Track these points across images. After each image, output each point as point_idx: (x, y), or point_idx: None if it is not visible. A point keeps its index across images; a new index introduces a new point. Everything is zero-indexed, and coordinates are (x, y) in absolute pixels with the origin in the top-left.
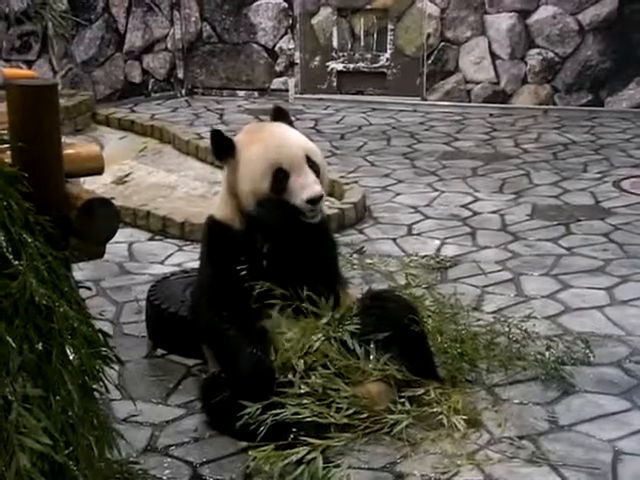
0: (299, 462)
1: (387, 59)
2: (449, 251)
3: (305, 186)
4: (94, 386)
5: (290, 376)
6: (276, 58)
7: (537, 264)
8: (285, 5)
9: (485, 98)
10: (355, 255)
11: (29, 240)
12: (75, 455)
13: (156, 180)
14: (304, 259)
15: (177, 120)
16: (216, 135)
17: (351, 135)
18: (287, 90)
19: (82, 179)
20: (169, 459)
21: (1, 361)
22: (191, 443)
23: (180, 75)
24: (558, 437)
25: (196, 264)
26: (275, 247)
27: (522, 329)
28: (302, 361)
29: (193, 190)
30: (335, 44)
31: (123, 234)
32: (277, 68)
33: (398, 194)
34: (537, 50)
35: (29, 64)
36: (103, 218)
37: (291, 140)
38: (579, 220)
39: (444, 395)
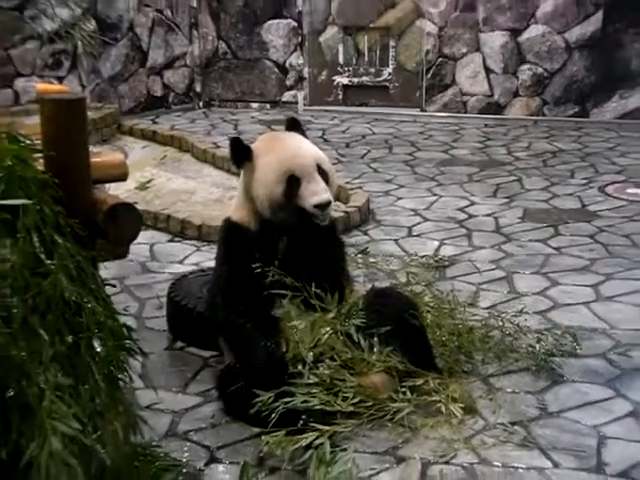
0: (308, 447)
1: (389, 73)
2: (447, 251)
3: (315, 193)
4: (119, 376)
5: (300, 367)
6: (286, 73)
7: (528, 263)
8: (294, 24)
9: (480, 109)
10: (360, 255)
11: (60, 241)
12: (102, 439)
13: (176, 186)
14: (314, 258)
15: (195, 130)
16: (235, 142)
17: (356, 144)
18: (296, 102)
19: (108, 185)
20: (188, 443)
21: (35, 353)
22: (208, 429)
23: (198, 89)
24: (547, 423)
25: (212, 263)
26: (287, 247)
27: (514, 323)
28: (311, 353)
29: (210, 195)
30: (341, 60)
31: (145, 236)
32: (287, 82)
33: (399, 198)
34: (528, 65)
35: (60, 80)
36: (127, 221)
37: (303, 149)
38: (567, 222)
39: (442, 385)
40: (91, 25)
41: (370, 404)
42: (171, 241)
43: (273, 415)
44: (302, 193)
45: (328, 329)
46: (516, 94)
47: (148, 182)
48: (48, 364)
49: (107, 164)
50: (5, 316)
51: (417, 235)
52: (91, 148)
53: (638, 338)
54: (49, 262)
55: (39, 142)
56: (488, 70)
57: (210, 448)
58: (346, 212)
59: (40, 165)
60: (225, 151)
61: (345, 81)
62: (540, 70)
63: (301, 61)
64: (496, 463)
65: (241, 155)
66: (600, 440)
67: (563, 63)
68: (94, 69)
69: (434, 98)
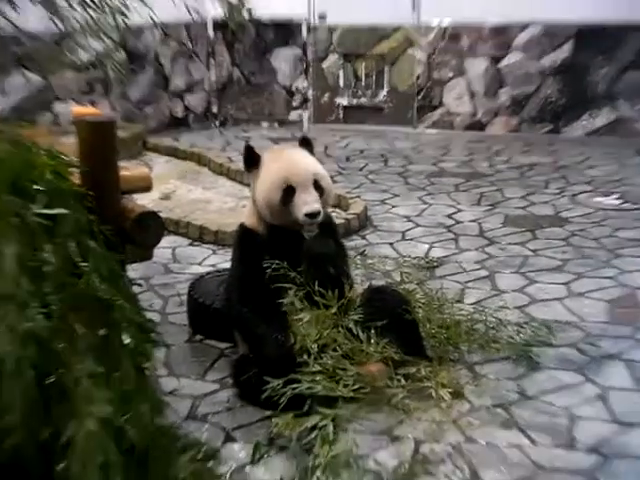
0: (313, 428)
1: (384, 95)
2: (436, 253)
3: (306, 202)
4: (145, 365)
5: (305, 357)
6: (293, 95)
7: (508, 264)
8: (300, 52)
9: (465, 127)
10: (359, 256)
11: (93, 246)
12: (131, 421)
13: (195, 196)
14: (318, 262)
15: (212, 147)
16: (248, 149)
17: (355, 158)
18: (302, 121)
19: (135, 195)
20: (206, 425)
21: (72, 344)
22: (224, 412)
23: (214, 110)
24: (526, 405)
25: (228, 265)
26: (295, 249)
27: (496, 317)
28: (315, 345)
29: (225, 204)
30: (341, 83)
31: (168, 240)
32: (294, 103)
33: (394, 206)
34: (507, 88)
35: (93, 103)
36: (152, 227)
37: (303, 163)
38: (542, 227)
39: (432, 372)
40: (121, 55)
41: (368, 390)
42: (191, 245)
43: (282, 400)
44: (295, 201)
45: (330, 323)
46: (497, 113)
47: (170, 193)
48: (83, 354)
49: (134, 177)
50: (46, 312)
51: (410, 239)
52: (120, 163)
53: (605, 330)
54: (84, 264)
55: (75, 159)
56: (472, 92)
57: (226, 429)
58: (346, 219)
59: (76, 179)
60: (238, 165)
61: (345, 102)
62: (518, 92)
63: (306, 85)
64: (481, 442)
65: (251, 161)
66: (572, 420)
67: (538, 86)
68: (123, 94)
69: (424, 117)
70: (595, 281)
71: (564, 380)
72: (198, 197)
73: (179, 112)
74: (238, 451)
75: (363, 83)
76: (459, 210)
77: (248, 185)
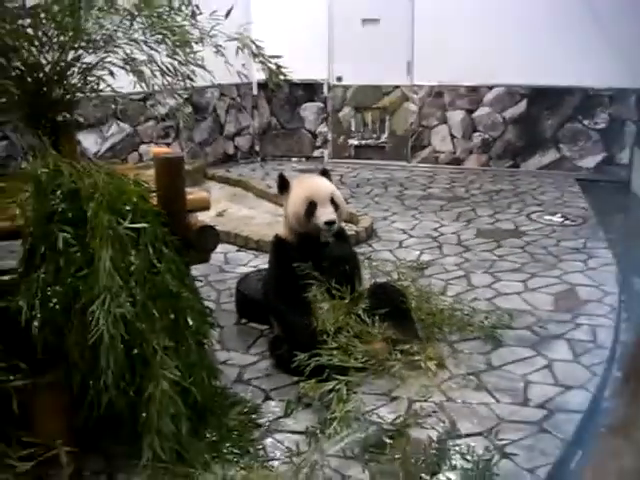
0: (331, 390)
1: (385, 138)
2: (425, 258)
3: (325, 214)
4: (204, 341)
5: (325, 337)
6: (316, 137)
7: (480, 266)
8: (322, 105)
9: (447, 162)
10: (366, 260)
11: (166, 251)
12: (194, 383)
13: (242, 214)
14: (335, 264)
15: (255, 176)
16: (280, 177)
17: (363, 184)
18: (323, 157)
19: (197, 213)
20: (250, 387)
21: (150, 325)
22: (264, 377)
23: (257, 148)
24: (492, 374)
25: (265, 266)
26: (318, 254)
27: (471, 307)
28: (332, 327)
29: (264, 220)
30: (353, 128)
31: (221, 247)
32: (317, 143)
33: (393, 222)
34: (478, 133)
35: (168, 145)
36: (209, 237)
37: (322, 186)
38: (505, 238)
39: (422, 348)
40: (188, 109)
41: (373, 362)
42: (238, 251)
43: (307, 369)
44: (317, 213)
45: (344, 311)
46: (471, 152)
47: (224, 211)
48: (159, 332)
49: (197, 199)
50: (131, 301)
51: (405, 247)
52: (186, 189)
53: (551, 316)
54: (159, 265)
55: (154, 186)
56: (452, 136)
57: (265, 390)
58: (357, 231)
59: (154, 201)
60: (274, 190)
61: (356, 143)
62: (487, 136)
63: (326, 129)
64: (458, 401)
65: (283, 186)
66: (526, 384)
67: (502, 132)
68: (190, 137)
69: (416, 154)
70: (544, 279)
71: (521, 354)
72: (244, 214)
73: (230, 150)
74: (274, 407)
75: (370, 128)
76: (442, 225)
77: (281, 205)
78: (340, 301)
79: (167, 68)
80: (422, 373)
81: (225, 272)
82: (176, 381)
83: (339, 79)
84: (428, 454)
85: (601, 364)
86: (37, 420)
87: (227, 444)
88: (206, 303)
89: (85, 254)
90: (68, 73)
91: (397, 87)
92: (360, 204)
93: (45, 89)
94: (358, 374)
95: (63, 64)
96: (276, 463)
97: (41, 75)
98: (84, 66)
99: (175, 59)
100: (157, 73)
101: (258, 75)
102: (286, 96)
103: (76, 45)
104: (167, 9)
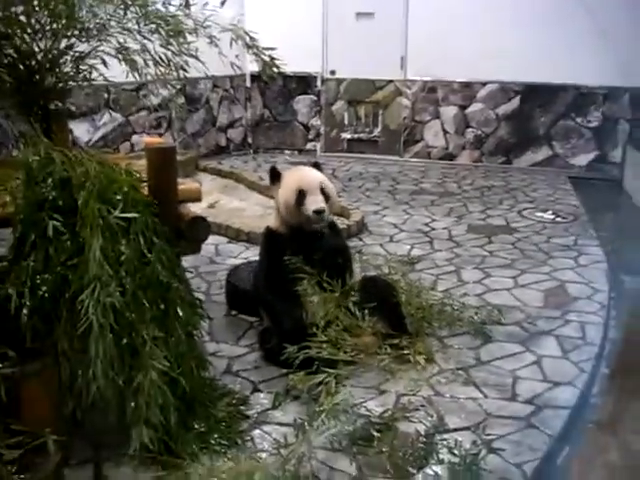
0: (319, 383)
1: (378, 132)
2: (416, 252)
3: (315, 202)
4: (194, 332)
5: (314, 329)
6: (309, 130)
7: (470, 261)
8: (315, 98)
9: (439, 157)
10: (357, 254)
11: (157, 241)
12: (183, 373)
13: (233, 206)
14: (327, 256)
15: (247, 169)
16: (272, 169)
17: (355, 179)
18: (315, 150)
19: (188, 204)
20: (239, 379)
21: (140, 315)
22: (253, 369)
23: (249, 140)
24: (481, 369)
25: (256, 258)
26: (309, 247)
27: (460, 302)
28: (322, 320)
29: (255, 212)
30: (346, 122)
31: (212, 239)
32: (309, 136)
33: (384, 216)
34: (471, 129)
35: (160, 135)
36: (200, 228)
37: (311, 175)
38: (496, 234)
39: (411, 343)
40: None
41: (362, 356)
42: (229, 243)
43: (296, 361)
44: (306, 202)
45: (334, 304)
46: (464, 148)
47: (215, 203)
48: (148, 323)
49: (188, 190)
50: (121, 290)
51: (396, 241)
52: (178, 180)
53: (541, 312)
54: (149, 255)
55: (145, 176)
56: (445, 131)
57: (254, 382)
58: (348, 225)
59: (145, 191)
60: (266, 182)
61: (348, 136)
62: (479, 132)
63: (319, 122)
64: (447, 395)
65: (274, 178)
66: (514, 379)
67: (495, 128)
68: (182, 128)
69: (409, 149)
70: (534, 276)
71: (510, 349)
72: (236, 206)
73: (222, 142)
74: (262, 399)
75: (363, 122)
76: (434, 220)
77: (273, 197)
78: (330, 294)
79: (160, 58)
80: (411, 367)
81: (216, 264)
82: (165, 371)
83: (333, 72)
84: (415, 448)
85: (589, 361)
86: (25, 408)
87: (215, 435)
88: (196, 294)
89: (75, 243)
90: (61, 61)
91: (390, 81)
92: (352, 198)
93: (37, 77)
94: (347, 367)
95: (56, 52)
96: (264, 455)
97: (33, 63)
98: (77, 54)
99: (168, 49)
100: (150, 63)
101: (251, 67)
102: (279, 88)
103: (69, 33)
104: None
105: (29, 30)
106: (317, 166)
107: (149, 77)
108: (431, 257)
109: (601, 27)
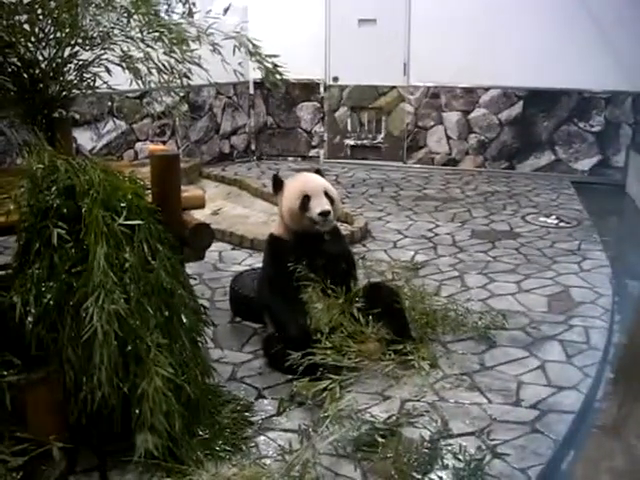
0: (324, 389)
1: (381, 138)
2: (419, 258)
3: (319, 205)
4: (198, 339)
5: (319, 336)
6: (312, 137)
7: (474, 267)
8: (318, 105)
9: (443, 163)
10: (360, 260)
11: (160, 248)
12: (188, 380)
13: (237, 212)
14: (331, 262)
15: (250, 175)
16: (275, 177)
17: (358, 185)
18: (319, 157)
19: (192, 211)
20: (243, 385)
21: (144, 322)
22: (257, 375)
23: (253, 147)
24: (485, 374)
25: (260, 265)
26: (314, 253)
27: (464, 307)
28: (326, 327)
29: (259, 219)
30: (349, 128)
31: (216, 246)
32: (312, 143)
33: (388, 222)
34: (474, 135)
35: (164, 142)
36: (204, 235)
37: (315, 180)
38: (500, 239)
39: (415, 348)
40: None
41: (366, 362)
42: (233, 249)
43: (300, 367)
44: (311, 206)
45: (338, 310)
46: (467, 153)
47: (219, 210)
48: (153, 329)
49: (192, 197)
50: (126, 297)
51: (400, 247)
52: (182, 187)
53: (545, 317)
54: (153, 262)
55: (149, 183)
56: (448, 137)
57: (258, 388)
58: (351, 231)
59: (149, 198)
60: (269, 189)
61: (352, 143)
62: (483, 138)
63: (322, 129)
64: (451, 400)
65: (277, 185)
66: (519, 384)
67: (497, 134)
68: (186, 136)
69: (412, 155)
70: (538, 281)
71: (514, 355)
72: (239, 213)
73: (226, 149)
74: (267, 405)
75: (366, 128)
76: (437, 225)
77: (276, 204)
78: (334, 300)
79: (164, 66)
80: (415, 373)
81: (219, 270)
82: (169, 378)
83: (335, 79)
84: (420, 453)
85: (594, 365)
86: (30, 416)
87: (220, 441)
88: (200, 301)
89: (80, 250)
90: (64, 70)
91: (393, 88)
92: (355, 204)
93: (41, 85)
94: (351, 373)
95: (59, 60)
96: (268, 461)
97: (37, 71)
98: (80, 63)
99: (172, 57)
100: (153, 71)
101: (255, 74)
102: (282, 95)
103: (73, 42)
104: (164, 7)
105: (33, 39)
106: (319, 173)
107: (153, 85)
108: (435, 263)
109: (603, 31)
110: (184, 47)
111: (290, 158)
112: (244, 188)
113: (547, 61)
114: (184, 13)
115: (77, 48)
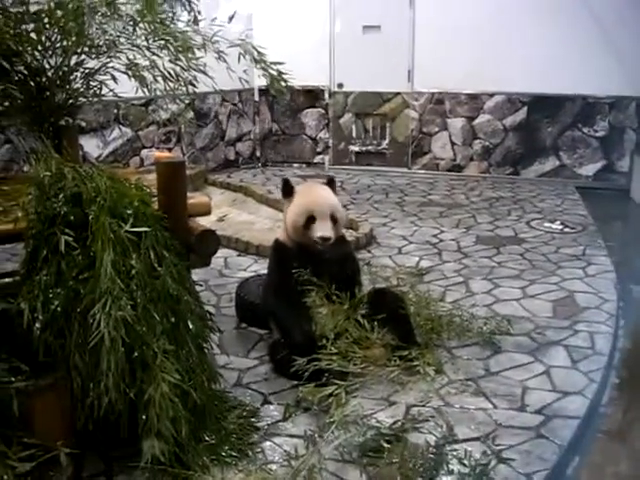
0: (330, 395)
1: (386, 144)
2: (424, 264)
3: (321, 229)
4: (204, 345)
5: (324, 341)
6: (317, 143)
7: (479, 272)
8: (323, 111)
9: (447, 169)
10: (365, 266)
11: (167, 255)
12: (194, 385)
13: (242, 219)
14: (336, 268)
15: (255, 182)
16: (285, 181)
17: (363, 191)
18: (324, 163)
19: (198, 218)
20: (249, 391)
21: (151, 328)
22: (263, 381)
23: (258, 154)
24: (490, 379)
25: (265, 271)
26: (319, 260)
27: (469, 313)
28: (332, 332)
29: (265, 225)
30: (354, 135)
31: (221, 252)
32: (317, 149)
33: (392, 228)
34: (479, 140)
35: (170, 150)
36: (210, 242)
37: (324, 199)
38: (505, 245)
39: (421, 354)
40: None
41: (372, 367)
42: (239, 256)
43: (306, 373)
44: (314, 227)
45: (343, 316)
46: (471, 159)
47: (224, 216)
48: (159, 336)
49: (198, 204)
50: (132, 304)
51: (404, 253)
52: (188, 194)
53: (550, 323)
54: (160, 269)
55: (155, 190)
56: (453, 143)
57: (264, 394)
58: (357, 237)
59: (155, 205)
60: (275, 196)
61: (356, 149)
62: (487, 144)
63: (327, 135)
64: (456, 406)
65: (287, 191)
66: (524, 390)
67: (502, 139)
68: (191, 142)
69: (417, 161)
70: (543, 286)
71: (519, 360)
72: (245, 220)
73: (231, 156)
74: (273, 411)
75: (370, 134)
76: (442, 231)
77: (282, 211)
78: (339, 306)
79: (169, 74)
80: (420, 378)
81: (225, 277)
82: (176, 384)
83: (340, 86)
84: (426, 458)
85: (599, 370)
86: (38, 422)
87: (226, 447)
88: (206, 307)
89: (87, 257)
90: (71, 78)
91: (398, 94)
92: (360, 210)
93: (48, 93)
94: (357, 379)
95: (66, 69)
96: (274, 466)
97: (44, 79)
98: (87, 71)
99: (177, 65)
100: (159, 78)
101: (260, 81)
102: (287, 102)
103: (79, 50)
104: (170, 15)
105: (39, 47)
106: (331, 182)
107: (158, 92)
108: (440, 268)
109: (607, 37)
110: (189, 55)
111: (295, 164)
112: (249, 195)
113: (551, 67)
114: (189, 21)
115: (83, 56)
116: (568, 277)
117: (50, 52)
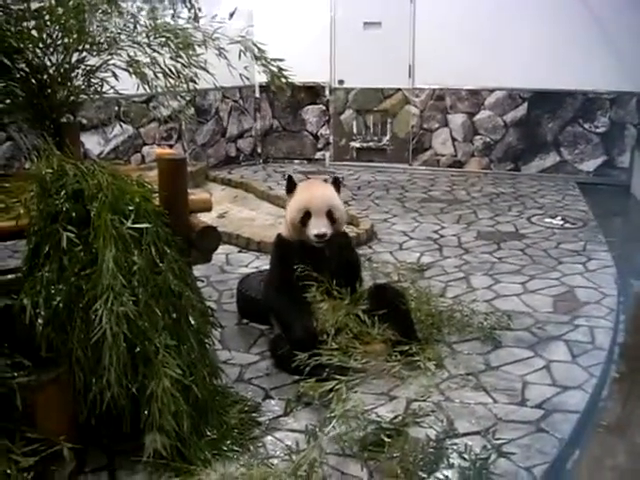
0: (330, 390)
1: (387, 140)
2: (425, 259)
3: (317, 226)
4: (206, 340)
5: (325, 337)
6: (318, 139)
7: (480, 268)
8: (324, 108)
9: (448, 165)
10: (366, 262)
11: (168, 251)
12: (195, 381)
13: (243, 215)
14: (337, 263)
15: (256, 178)
16: (289, 178)
17: (364, 187)
18: (324, 159)
19: (199, 214)
20: (251, 386)
21: (153, 324)
22: (264, 376)
23: (259, 150)
24: (490, 374)
25: (267, 267)
26: (320, 256)
27: (470, 308)
28: (332, 328)
29: (266, 221)
30: (355, 131)
31: (222, 248)
32: (318, 145)
33: (393, 224)
34: (480, 136)
35: (171, 146)
36: (211, 238)
37: (321, 197)
38: (505, 241)
39: (421, 349)
40: (191, 111)
41: (372, 362)
42: (240, 252)
43: (307, 368)
44: (309, 223)
45: (344, 311)
46: (472, 155)
47: (225, 213)
48: (161, 331)
49: (199, 200)
50: (134, 299)
51: (405, 249)
52: (189, 190)
53: (550, 318)
54: (161, 265)
55: (156, 187)
56: (453, 139)
57: (265, 389)
58: (358, 233)
59: (157, 201)
60: (276, 192)
61: (357, 145)
62: (488, 139)
63: (328, 132)
64: (456, 400)
65: (290, 187)
66: (524, 384)
67: (503, 135)
68: (192, 139)
69: (417, 157)
70: (544, 281)
71: (519, 355)
72: (246, 216)
73: (232, 152)
74: (274, 406)
75: (371, 131)
76: (443, 227)
77: (283, 207)
78: (340, 302)
79: (170, 70)
80: (421, 373)
81: (226, 273)
82: (178, 379)
83: (341, 82)
84: (426, 453)
85: (599, 365)
86: (40, 416)
87: (228, 442)
88: (208, 303)
89: (89, 254)
90: (72, 75)
91: (398, 90)
92: (361, 206)
93: (49, 91)
94: (357, 374)
95: (67, 66)
96: (276, 461)
97: (45, 77)
98: (88, 68)
99: (178, 61)
100: (160, 75)
101: (260, 78)
102: (288, 99)
103: (80, 47)
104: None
105: (41, 44)
106: (337, 183)
107: (159, 89)
108: (440, 264)
109: (607, 32)
110: (190, 52)
111: (296, 161)
112: (250, 191)
113: (551, 62)
114: (190, 18)
115: (84, 54)
116: (568, 272)
117: (51, 49)
